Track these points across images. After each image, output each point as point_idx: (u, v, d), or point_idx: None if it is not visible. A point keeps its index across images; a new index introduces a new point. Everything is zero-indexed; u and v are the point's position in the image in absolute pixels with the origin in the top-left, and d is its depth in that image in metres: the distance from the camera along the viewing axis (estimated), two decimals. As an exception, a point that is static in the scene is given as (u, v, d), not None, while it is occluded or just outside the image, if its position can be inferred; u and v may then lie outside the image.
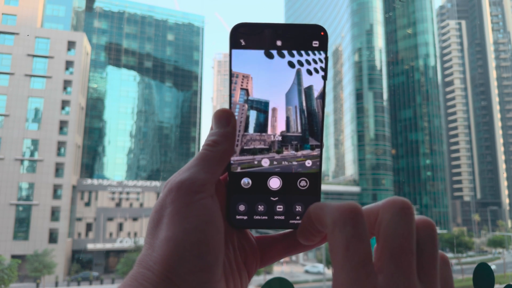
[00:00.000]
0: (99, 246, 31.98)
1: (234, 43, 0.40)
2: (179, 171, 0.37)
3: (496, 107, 71.91)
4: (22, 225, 29.79)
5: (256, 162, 0.42)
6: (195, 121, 46.13)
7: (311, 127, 0.42)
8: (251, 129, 0.42)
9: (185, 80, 47.03)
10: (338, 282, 0.30)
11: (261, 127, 0.42)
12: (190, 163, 0.37)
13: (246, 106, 0.42)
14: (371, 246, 0.31)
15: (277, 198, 0.41)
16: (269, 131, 0.42)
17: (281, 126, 0.42)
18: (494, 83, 72.20)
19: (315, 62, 0.41)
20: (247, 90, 0.41)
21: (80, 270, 29.70)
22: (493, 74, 72.74)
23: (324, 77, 0.41)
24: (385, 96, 49.38)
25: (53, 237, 29.82)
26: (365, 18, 49.88)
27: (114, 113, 42.95)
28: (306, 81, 0.41)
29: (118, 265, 26.59)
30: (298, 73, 0.41)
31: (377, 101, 48.38)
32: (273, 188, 0.41)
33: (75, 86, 34.11)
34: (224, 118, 0.39)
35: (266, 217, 0.41)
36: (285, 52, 0.41)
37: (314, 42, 0.41)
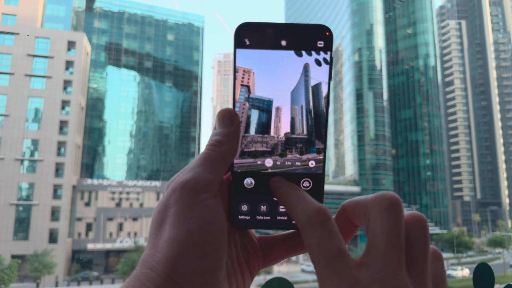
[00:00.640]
0: (99, 246, 31.98)
1: (239, 43, 0.40)
2: (182, 170, 0.37)
3: (496, 107, 71.90)
4: (22, 225, 29.79)
5: (259, 163, 0.41)
6: (195, 121, 46.13)
7: (318, 129, 0.41)
8: (252, 130, 0.41)
9: (185, 80, 47.03)
10: (322, 275, 0.30)
11: (264, 127, 0.41)
12: (193, 163, 0.37)
13: (247, 104, 0.41)
14: (343, 243, 0.31)
15: None
16: (272, 132, 0.41)
17: (285, 127, 0.41)
18: (494, 83, 72.19)
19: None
20: (248, 87, 0.40)
21: (80, 270, 29.69)
22: (493, 74, 72.73)
23: (329, 78, 0.40)
24: (385, 96, 49.37)
25: (53, 237, 29.81)
26: (365, 18, 49.87)
27: (114, 113, 42.96)
28: (313, 80, 0.40)
29: (118, 265, 26.59)
30: (306, 71, 0.40)
31: (377, 101, 48.37)
32: None
33: (75, 86, 34.10)
34: (228, 118, 0.39)
35: (268, 218, 0.41)
36: (290, 52, 0.40)
37: (319, 42, 0.40)
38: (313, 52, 0.40)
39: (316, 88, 0.40)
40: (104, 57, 43.45)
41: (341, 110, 55.28)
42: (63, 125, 33.25)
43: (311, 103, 0.40)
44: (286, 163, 0.41)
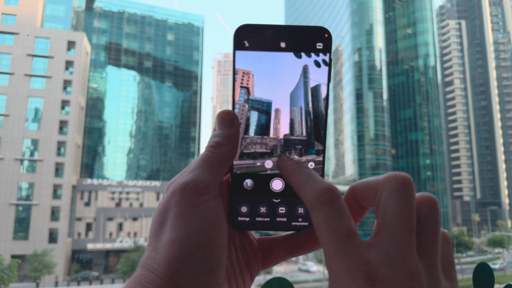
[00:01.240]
0: (99, 246, 31.98)
1: (238, 44, 0.40)
2: (182, 172, 0.37)
3: (496, 107, 71.90)
4: (22, 225, 29.79)
5: (258, 164, 0.41)
6: (195, 121, 46.13)
7: (317, 130, 0.41)
8: (251, 132, 0.41)
9: (185, 80, 47.03)
10: (330, 255, 0.29)
11: (263, 129, 0.41)
12: (193, 165, 0.37)
13: (247, 106, 0.40)
14: (353, 222, 0.31)
15: (279, 200, 0.41)
16: (272, 134, 0.41)
17: (284, 129, 0.41)
18: (494, 83, 72.18)
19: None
20: (247, 88, 0.40)
21: (80, 270, 29.70)
22: (493, 74, 72.72)
23: (328, 79, 0.40)
24: (385, 96, 49.37)
25: (53, 237, 29.81)
26: (365, 18, 49.87)
27: (114, 113, 42.96)
28: (312, 81, 0.40)
29: (118, 265, 26.61)
30: (305, 72, 0.40)
31: (377, 101, 48.37)
32: (276, 190, 0.41)
33: (75, 86, 34.11)
34: (227, 119, 0.39)
35: (268, 219, 0.41)
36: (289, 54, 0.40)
37: (318, 44, 0.40)
38: (312, 54, 0.40)
39: (315, 89, 0.40)
40: (104, 57, 43.45)
41: (341, 110, 55.28)
42: (63, 125, 33.25)
43: (310, 105, 0.40)
44: None
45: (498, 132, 70.95)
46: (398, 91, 52.24)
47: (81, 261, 31.42)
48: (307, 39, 0.40)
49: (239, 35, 0.40)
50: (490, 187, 70.29)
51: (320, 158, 0.41)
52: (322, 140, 0.41)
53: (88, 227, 34.19)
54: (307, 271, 30.06)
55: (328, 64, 0.40)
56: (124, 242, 32.45)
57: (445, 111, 72.96)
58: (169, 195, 0.35)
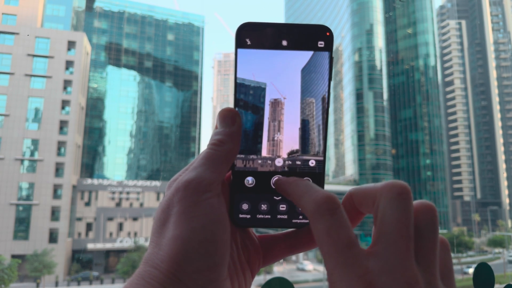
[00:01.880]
0: (99, 246, 31.98)
1: (240, 43, 0.40)
2: (184, 170, 0.37)
3: (496, 107, 71.88)
4: (22, 225, 29.78)
5: (260, 162, 0.41)
6: (195, 121, 46.12)
7: (318, 131, 0.41)
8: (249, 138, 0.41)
9: (185, 80, 47.02)
10: (331, 266, 0.30)
11: (261, 135, 0.41)
12: (196, 162, 0.37)
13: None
14: (353, 232, 0.31)
15: (280, 197, 0.41)
16: (271, 137, 0.41)
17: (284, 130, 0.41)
18: (494, 83, 72.16)
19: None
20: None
21: (80, 270, 29.69)
22: (493, 74, 72.70)
23: (329, 78, 0.41)
24: (385, 96, 49.36)
25: (53, 237, 29.81)
26: (365, 18, 49.86)
27: (114, 113, 42.96)
28: (312, 82, 0.40)
29: (118, 265, 26.60)
30: (303, 74, 0.40)
31: (377, 101, 48.36)
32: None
33: (75, 86, 34.10)
34: (229, 117, 0.39)
35: (269, 216, 0.41)
36: (291, 52, 0.40)
37: (319, 42, 0.40)
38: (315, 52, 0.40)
39: (315, 90, 0.40)
40: (104, 57, 43.45)
41: (341, 110, 55.27)
42: (63, 125, 33.24)
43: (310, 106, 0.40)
44: (287, 162, 0.41)
45: (498, 132, 70.93)
46: (398, 91, 52.23)
47: (81, 261, 31.42)
48: (308, 37, 0.40)
49: (241, 33, 0.40)
50: (490, 187, 70.28)
51: (320, 158, 0.42)
52: (322, 140, 0.41)
53: (88, 227, 34.19)
54: (303, 269, 30.31)
55: (329, 63, 0.40)
56: (124, 242, 32.45)
57: (445, 111, 72.94)
58: (172, 192, 0.35)
